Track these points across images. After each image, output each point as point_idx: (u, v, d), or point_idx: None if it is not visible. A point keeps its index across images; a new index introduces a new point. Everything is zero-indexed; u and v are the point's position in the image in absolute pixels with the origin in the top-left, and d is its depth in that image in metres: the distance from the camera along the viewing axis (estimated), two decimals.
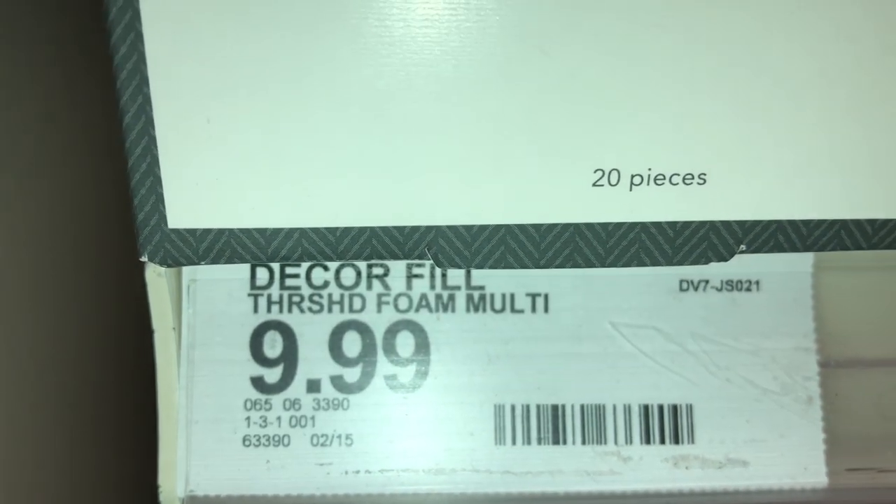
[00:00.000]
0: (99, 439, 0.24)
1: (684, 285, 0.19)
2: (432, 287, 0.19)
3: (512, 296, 0.19)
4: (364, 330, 0.19)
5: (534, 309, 0.19)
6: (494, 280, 0.19)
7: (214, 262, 0.16)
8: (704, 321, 0.19)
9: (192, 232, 0.16)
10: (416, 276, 0.19)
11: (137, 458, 0.21)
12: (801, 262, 0.19)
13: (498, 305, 0.19)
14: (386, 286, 0.19)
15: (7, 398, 0.19)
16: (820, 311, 0.19)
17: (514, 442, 0.19)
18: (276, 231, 0.16)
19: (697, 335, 0.19)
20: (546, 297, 0.19)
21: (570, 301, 0.19)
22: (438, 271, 0.19)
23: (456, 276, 0.19)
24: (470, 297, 0.19)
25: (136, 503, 0.22)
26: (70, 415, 0.22)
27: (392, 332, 0.19)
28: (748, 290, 0.19)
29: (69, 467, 0.22)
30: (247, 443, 0.18)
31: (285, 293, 0.19)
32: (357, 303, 0.19)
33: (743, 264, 0.19)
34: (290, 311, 0.19)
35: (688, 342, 0.19)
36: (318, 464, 0.18)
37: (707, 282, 0.19)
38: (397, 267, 0.19)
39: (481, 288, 0.19)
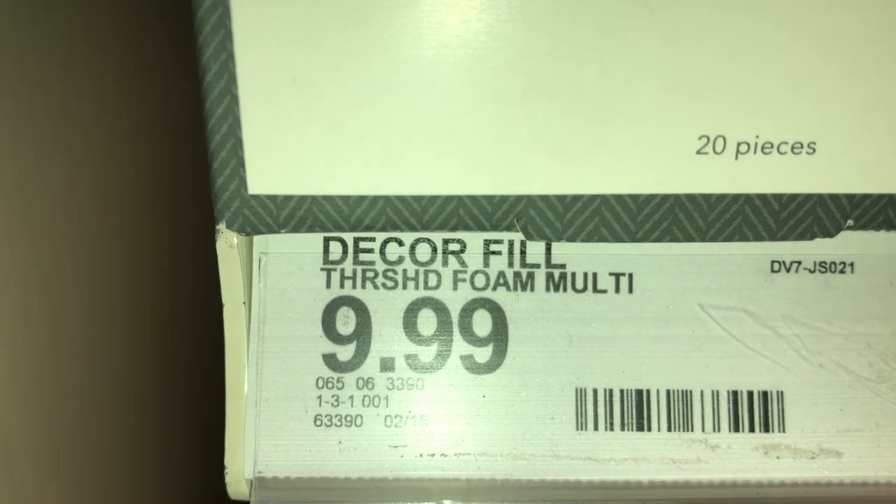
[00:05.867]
0: (173, 420, 0.23)
1: (776, 266, 0.18)
2: (510, 265, 0.18)
3: (594, 275, 0.18)
4: (439, 308, 0.18)
5: (617, 289, 0.18)
6: (576, 259, 0.18)
7: (295, 230, 0.15)
8: (796, 304, 0.18)
9: (273, 198, 0.15)
10: (494, 252, 0.18)
11: (207, 439, 0.20)
12: None
13: (580, 285, 0.18)
14: (462, 263, 0.18)
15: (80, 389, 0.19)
16: None
17: (596, 427, 0.18)
18: (361, 199, 0.15)
19: (789, 318, 0.18)
20: (630, 276, 0.18)
21: (656, 281, 0.18)
22: (517, 248, 0.18)
23: (535, 254, 0.18)
24: (550, 276, 0.18)
25: (203, 485, 0.21)
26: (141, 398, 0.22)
27: (468, 310, 0.18)
28: (842, 272, 0.18)
29: (138, 449, 0.21)
30: (318, 422, 0.18)
31: (359, 268, 0.18)
32: (432, 279, 0.18)
33: (837, 245, 0.18)
34: (363, 286, 0.18)
35: (779, 325, 0.18)
36: (391, 446, 0.18)
37: (799, 263, 0.18)
38: (474, 243, 0.18)
39: (562, 266, 0.18)
